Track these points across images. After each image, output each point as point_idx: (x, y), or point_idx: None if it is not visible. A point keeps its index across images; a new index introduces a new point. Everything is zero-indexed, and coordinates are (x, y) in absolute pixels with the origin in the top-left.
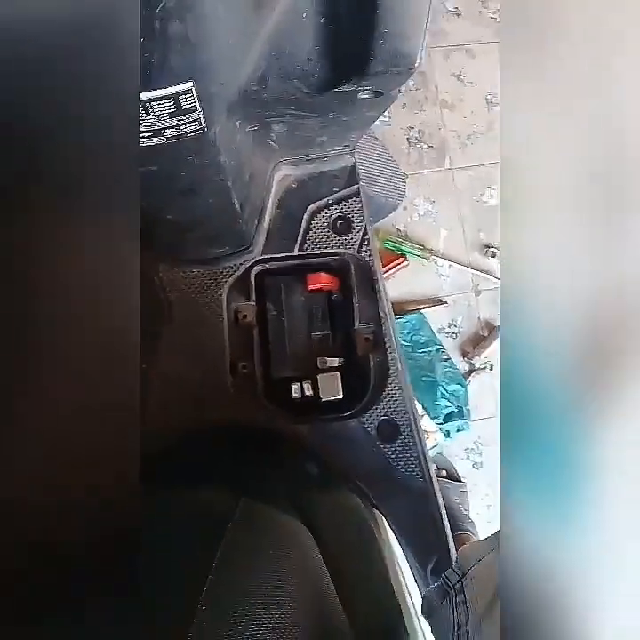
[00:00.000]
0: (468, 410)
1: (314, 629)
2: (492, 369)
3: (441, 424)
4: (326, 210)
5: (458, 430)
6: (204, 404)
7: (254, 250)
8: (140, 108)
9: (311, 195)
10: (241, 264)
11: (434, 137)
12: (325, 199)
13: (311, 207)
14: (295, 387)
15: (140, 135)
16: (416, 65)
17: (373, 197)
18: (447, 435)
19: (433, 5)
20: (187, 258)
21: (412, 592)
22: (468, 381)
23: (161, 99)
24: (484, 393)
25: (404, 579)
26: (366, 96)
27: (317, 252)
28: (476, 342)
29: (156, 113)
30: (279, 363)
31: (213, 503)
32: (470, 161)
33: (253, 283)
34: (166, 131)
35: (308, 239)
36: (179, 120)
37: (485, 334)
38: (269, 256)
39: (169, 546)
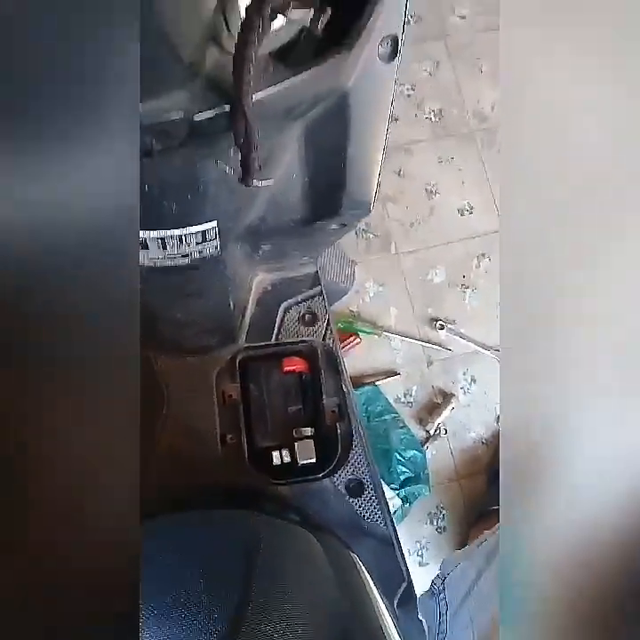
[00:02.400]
0: (428, 475)
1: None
2: (446, 433)
3: (397, 489)
4: (296, 306)
5: (417, 495)
6: (197, 472)
7: (239, 340)
8: (178, 240)
9: (283, 295)
10: (228, 353)
11: (379, 227)
12: (295, 298)
13: (283, 305)
14: (275, 454)
15: (174, 258)
16: (371, 209)
17: (325, 285)
18: (405, 500)
19: None
20: (183, 349)
21: (384, 615)
22: (425, 447)
23: (194, 233)
24: (443, 458)
25: (378, 605)
26: (334, 227)
27: (290, 341)
28: (431, 409)
29: (188, 242)
30: (261, 434)
31: (236, 522)
32: (414, 245)
33: (238, 367)
34: (192, 254)
35: (282, 330)
36: (202, 246)
37: (440, 401)
38: (251, 345)
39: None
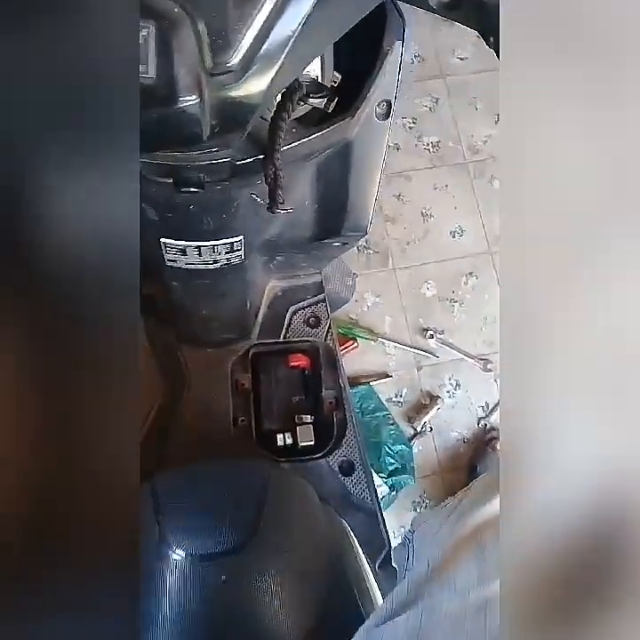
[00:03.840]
0: (413, 467)
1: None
2: (431, 431)
3: (385, 478)
4: (302, 310)
5: (403, 484)
6: (212, 447)
7: (252, 337)
8: (211, 249)
9: (291, 300)
10: (242, 347)
11: (379, 244)
12: (301, 303)
13: (291, 308)
14: (280, 436)
15: (205, 263)
16: (368, 231)
17: (328, 293)
18: (392, 488)
19: None
20: (204, 341)
21: (367, 572)
22: (412, 443)
23: (224, 244)
24: (427, 453)
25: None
26: (337, 244)
27: (296, 340)
28: (418, 409)
29: (219, 251)
30: (268, 418)
31: (247, 470)
32: (410, 262)
33: (250, 360)
34: (221, 260)
35: (289, 330)
36: (230, 254)
37: (427, 403)
38: (262, 342)
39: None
